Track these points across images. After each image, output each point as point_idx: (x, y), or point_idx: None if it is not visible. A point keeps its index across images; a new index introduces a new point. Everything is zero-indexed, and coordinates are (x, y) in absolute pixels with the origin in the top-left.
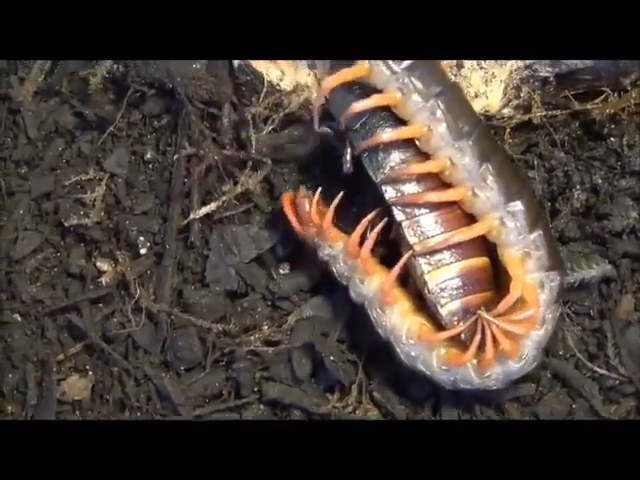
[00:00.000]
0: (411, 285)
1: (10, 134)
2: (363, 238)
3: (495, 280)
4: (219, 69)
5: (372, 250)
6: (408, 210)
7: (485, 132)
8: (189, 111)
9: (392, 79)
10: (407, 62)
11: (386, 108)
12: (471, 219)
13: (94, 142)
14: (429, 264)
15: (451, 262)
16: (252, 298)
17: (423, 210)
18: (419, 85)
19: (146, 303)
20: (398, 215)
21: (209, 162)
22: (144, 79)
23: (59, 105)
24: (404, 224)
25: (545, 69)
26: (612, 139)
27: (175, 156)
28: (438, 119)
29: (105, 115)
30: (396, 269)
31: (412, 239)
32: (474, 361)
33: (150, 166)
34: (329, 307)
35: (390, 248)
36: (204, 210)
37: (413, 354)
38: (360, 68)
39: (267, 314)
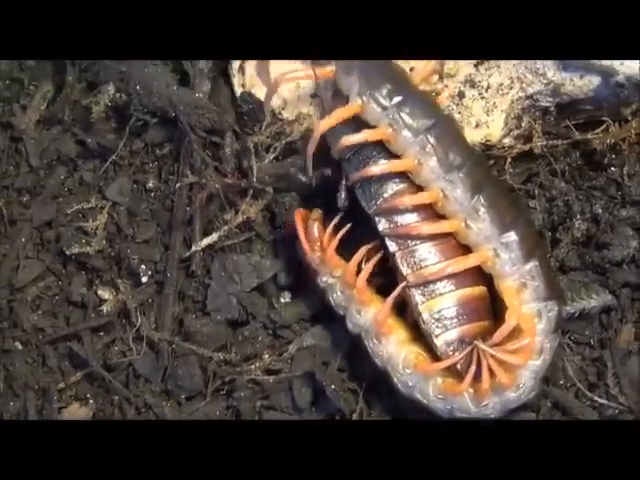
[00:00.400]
0: (408, 314)
1: (12, 162)
2: (360, 268)
3: (493, 308)
4: (221, 98)
5: (369, 280)
6: (401, 241)
7: (478, 163)
8: (191, 140)
9: (383, 115)
10: (397, 98)
11: (379, 144)
12: (466, 249)
13: (96, 170)
14: (423, 295)
15: (446, 292)
16: (253, 327)
17: (417, 241)
18: (409, 120)
19: (147, 332)
20: (391, 246)
21: (211, 191)
22: (146, 108)
23: (61, 133)
24: (397, 255)
25: (546, 99)
26: (613, 169)
27: (177, 184)
28: (428, 153)
29: (107, 144)
30: (390, 300)
31: (406, 270)
32: (471, 390)
33: (152, 194)
34: (329, 336)
35: (387, 277)
36: (206, 241)
37: (410, 384)
38: (353, 107)
39: (268, 343)
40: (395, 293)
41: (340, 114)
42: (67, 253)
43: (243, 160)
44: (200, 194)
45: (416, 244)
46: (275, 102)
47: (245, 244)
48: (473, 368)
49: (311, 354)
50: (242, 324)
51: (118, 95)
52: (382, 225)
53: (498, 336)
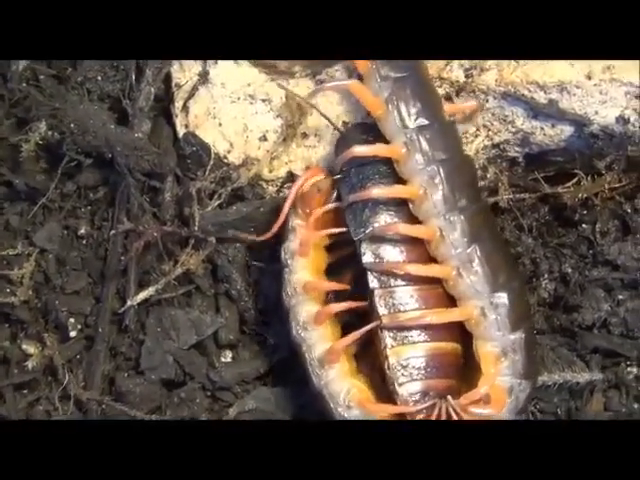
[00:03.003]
0: (368, 351)
1: None
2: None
3: (462, 369)
4: (163, 139)
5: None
6: (384, 278)
7: (482, 213)
8: (128, 183)
9: (401, 132)
10: (422, 121)
11: (386, 164)
12: (451, 300)
13: (24, 214)
14: (394, 339)
15: (419, 341)
16: (190, 388)
17: (401, 281)
18: (425, 146)
19: (75, 390)
20: (372, 282)
21: (148, 239)
22: (81, 147)
23: None
24: (377, 292)
25: (514, 149)
26: (584, 226)
27: (111, 232)
28: (435, 185)
29: (37, 185)
30: (355, 335)
31: (382, 310)
32: None
33: (84, 242)
34: (274, 399)
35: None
36: (142, 296)
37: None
38: (376, 105)
39: (206, 406)
40: (364, 330)
41: (364, 98)
42: None
43: (184, 207)
44: (136, 242)
45: (399, 285)
46: (221, 145)
47: (184, 298)
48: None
49: (253, 418)
50: (179, 384)
51: (50, 133)
52: (367, 257)
53: (465, 399)
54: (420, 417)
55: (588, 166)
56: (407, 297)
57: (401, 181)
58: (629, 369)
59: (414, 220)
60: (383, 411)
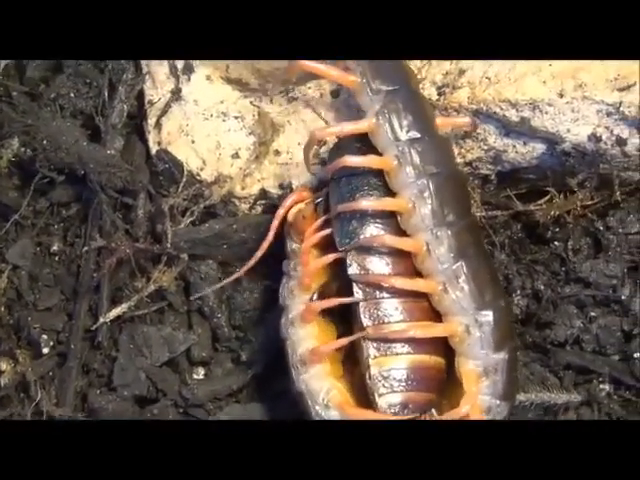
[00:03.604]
0: (353, 358)
1: None
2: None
3: (443, 384)
4: (135, 156)
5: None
6: (369, 290)
7: (471, 229)
8: (101, 200)
9: (392, 145)
10: (414, 134)
11: (376, 175)
12: (436, 314)
13: None
14: (377, 349)
15: (401, 353)
16: (163, 404)
17: (386, 294)
18: (416, 159)
19: (47, 407)
20: (357, 293)
21: (121, 256)
22: (53, 164)
23: None
24: (362, 304)
25: (486, 166)
26: (556, 243)
27: (84, 248)
28: (425, 199)
29: (9, 202)
30: (340, 342)
31: (366, 321)
32: None
33: (56, 258)
34: (247, 417)
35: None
36: (114, 312)
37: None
38: (364, 125)
39: None
40: (348, 339)
41: (348, 127)
42: None
43: (157, 224)
44: (109, 259)
45: (384, 297)
46: (193, 162)
47: (156, 315)
48: None
49: None
50: (151, 401)
51: (23, 150)
52: (353, 269)
53: (448, 417)
54: None
55: (560, 184)
56: (392, 309)
57: (391, 193)
58: (601, 386)
59: (402, 233)
60: (361, 417)
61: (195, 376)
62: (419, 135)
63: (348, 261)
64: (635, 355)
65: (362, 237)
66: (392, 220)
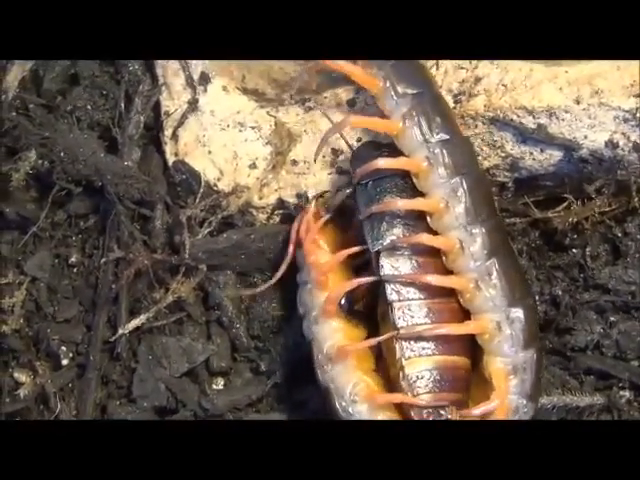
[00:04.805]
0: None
1: None
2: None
3: (469, 384)
4: (152, 167)
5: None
6: (403, 291)
7: (500, 227)
8: (119, 211)
9: (423, 146)
10: (444, 135)
11: (403, 178)
12: (464, 315)
13: (14, 243)
14: (411, 350)
15: (434, 354)
16: (182, 415)
17: (418, 295)
18: (448, 159)
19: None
20: (391, 294)
21: (139, 267)
22: (70, 176)
23: None
24: (396, 305)
25: (503, 174)
26: (574, 250)
27: (102, 260)
28: (458, 198)
29: (27, 214)
30: (370, 342)
31: (400, 322)
32: None
33: (75, 270)
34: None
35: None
36: (133, 324)
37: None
38: (392, 125)
39: None
40: (381, 339)
41: (377, 123)
42: None
43: (175, 234)
44: (127, 270)
45: (416, 298)
46: (210, 173)
47: (175, 326)
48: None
49: None
50: (171, 412)
51: (40, 162)
52: (385, 270)
53: (477, 412)
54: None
55: (578, 190)
56: (424, 310)
57: (418, 194)
58: (621, 392)
59: (431, 233)
60: (392, 399)
61: (214, 386)
62: (448, 137)
63: (381, 262)
64: None
65: (394, 237)
66: (421, 220)
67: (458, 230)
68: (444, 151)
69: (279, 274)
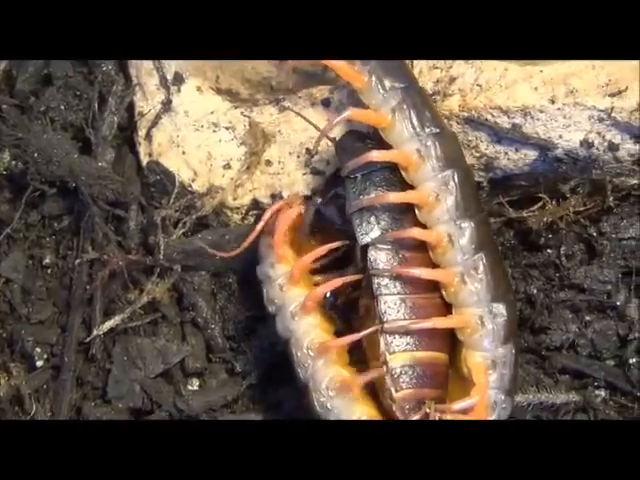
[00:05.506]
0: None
1: None
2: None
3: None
4: (126, 167)
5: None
6: (389, 285)
7: (486, 222)
8: (93, 212)
9: (414, 139)
10: (434, 129)
11: (391, 171)
12: (447, 312)
13: None
14: (395, 345)
15: (417, 349)
16: (158, 416)
17: (404, 289)
18: (439, 152)
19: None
20: (377, 288)
21: (113, 268)
22: (44, 177)
23: None
24: (381, 299)
25: (478, 173)
26: (550, 250)
27: (76, 261)
28: (449, 191)
29: (1, 215)
30: (354, 337)
31: (386, 316)
32: None
33: (49, 271)
34: None
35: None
36: (108, 325)
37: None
38: (382, 118)
39: None
40: (363, 333)
41: (370, 116)
42: None
43: (149, 235)
44: (101, 271)
45: (401, 293)
46: (185, 173)
47: (150, 326)
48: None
49: None
50: (146, 413)
51: (14, 163)
52: (374, 263)
53: (456, 408)
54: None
55: (553, 190)
56: (409, 304)
57: (407, 187)
58: (597, 392)
59: (419, 226)
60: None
61: (190, 387)
62: (438, 130)
63: (369, 256)
64: (630, 361)
65: (385, 231)
66: (409, 214)
67: (447, 224)
68: (436, 144)
69: (246, 244)
